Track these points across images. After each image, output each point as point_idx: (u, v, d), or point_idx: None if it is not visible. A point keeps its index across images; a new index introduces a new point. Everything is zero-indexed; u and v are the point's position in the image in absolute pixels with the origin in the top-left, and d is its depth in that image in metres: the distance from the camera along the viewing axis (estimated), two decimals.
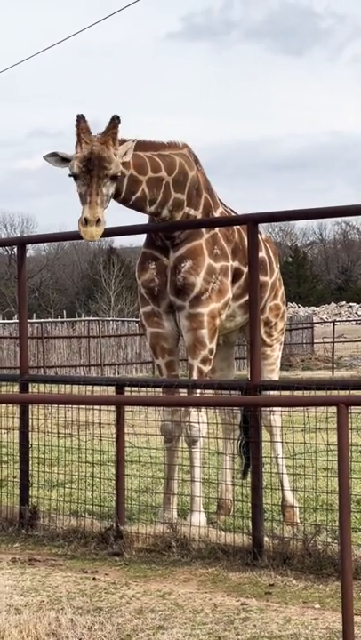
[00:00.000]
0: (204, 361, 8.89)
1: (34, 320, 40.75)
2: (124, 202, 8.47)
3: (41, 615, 6.69)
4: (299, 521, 9.24)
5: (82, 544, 8.80)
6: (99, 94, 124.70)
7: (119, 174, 7.98)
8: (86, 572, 7.99)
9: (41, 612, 6.79)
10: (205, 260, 8.87)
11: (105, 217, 7.79)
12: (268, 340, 9.88)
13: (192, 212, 8.91)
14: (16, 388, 10.29)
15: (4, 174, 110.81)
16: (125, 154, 8.10)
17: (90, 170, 7.86)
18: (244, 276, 9.18)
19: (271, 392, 8.39)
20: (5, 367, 35.56)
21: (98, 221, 7.71)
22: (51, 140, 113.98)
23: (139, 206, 8.59)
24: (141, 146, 8.47)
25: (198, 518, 8.72)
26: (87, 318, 45.52)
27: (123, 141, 8.13)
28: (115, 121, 7.95)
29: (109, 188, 7.92)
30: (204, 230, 8.94)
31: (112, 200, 8.12)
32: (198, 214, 8.95)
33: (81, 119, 8.05)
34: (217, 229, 9.06)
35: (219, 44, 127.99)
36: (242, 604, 7.01)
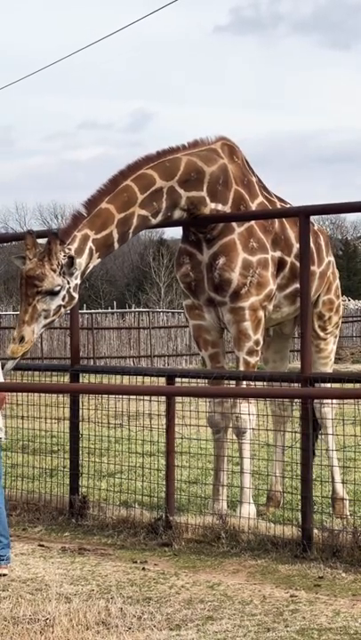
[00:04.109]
0: (250, 353, 8.88)
1: (84, 311, 40.75)
2: (122, 244, 8.53)
3: (91, 604, 6.73)
4: (349, 514, 9.22)
5: (131, 534, 8.83)
6: (147, 87, 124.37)
7: (58, 287, 7.94)
8: (136, 562, 8.02)
9: (91, 601, 6.82)
10: (240, 255, 8.83)
11: (36, 332, 7.89)
12: (322, 334, 9.85)
13: (220, 206, 8.82)
14: (66, 379, 10.33)
15: (54, 165, 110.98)
16: (83, 272, 8.21)
17: (20, 288, 8.03)
18: (288, 266, 9.15)
19: (323, 385, 8.37)
20: (55, 357, 35.71)
21: (22, 339, 7.82)
22: (100, 131, 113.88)
23: (144, 227, 8.63)
24: (134, 167, 8.41)
25: (248, 510, 8.72)
26: (137, 309, 45.52)
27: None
28: (49, 237, 7.99)
29: (48, 303, 7.94)
30: (235, 224, 8.90)
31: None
32: (227, 208, 8.86)
33: (27, 235, 8.13)
34: (253, 221, 9.00)
35: (267, 38, 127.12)
36: (291, 596, 7.01)
